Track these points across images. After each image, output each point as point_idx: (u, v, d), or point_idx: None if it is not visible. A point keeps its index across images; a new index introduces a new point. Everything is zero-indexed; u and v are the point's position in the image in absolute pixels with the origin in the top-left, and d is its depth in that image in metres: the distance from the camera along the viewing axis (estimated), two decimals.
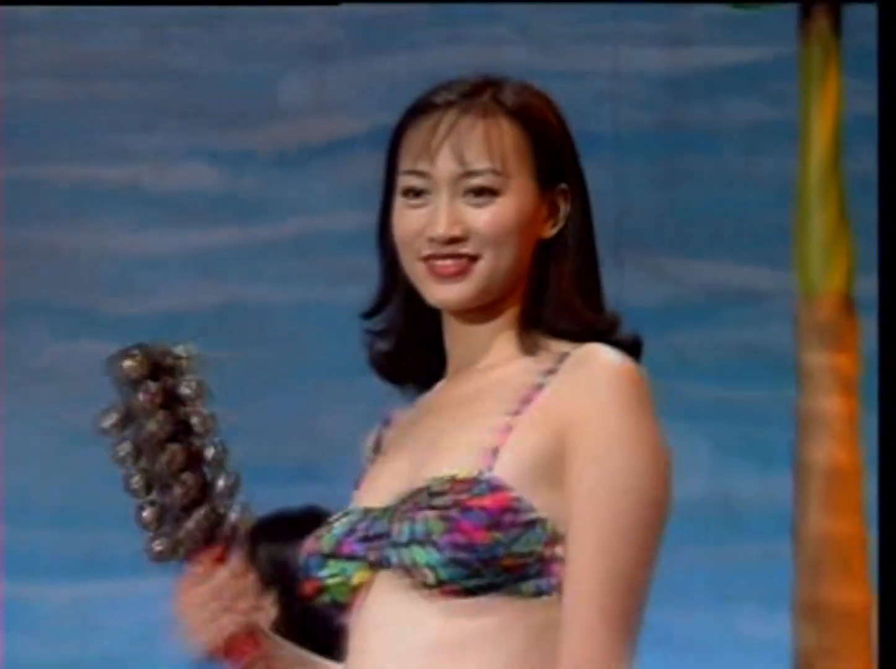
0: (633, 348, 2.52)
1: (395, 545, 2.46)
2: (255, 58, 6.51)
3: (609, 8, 5.35)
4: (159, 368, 2.19)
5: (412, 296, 2.57)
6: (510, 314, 2.55)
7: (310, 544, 2.30)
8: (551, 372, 2.51)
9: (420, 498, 2.49)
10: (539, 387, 2.47)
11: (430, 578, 2.45)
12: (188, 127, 6.54)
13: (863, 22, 4.60)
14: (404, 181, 2.49)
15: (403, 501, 2.45)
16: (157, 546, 2.32)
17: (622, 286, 2.50)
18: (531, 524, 2.44)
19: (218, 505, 2.41)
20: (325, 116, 6.36)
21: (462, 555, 2.45)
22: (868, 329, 4.35)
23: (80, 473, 4.96)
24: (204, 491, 2.40)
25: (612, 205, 2.80)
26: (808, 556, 4.44)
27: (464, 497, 2.45)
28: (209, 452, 2.38)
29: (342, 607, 2.50)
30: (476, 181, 2.42)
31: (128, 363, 2.14)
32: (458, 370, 2.56)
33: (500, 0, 5.51)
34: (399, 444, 2.36)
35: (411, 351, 2.60)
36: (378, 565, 2.36)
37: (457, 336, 2.57)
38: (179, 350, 2.36)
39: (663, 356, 2.64)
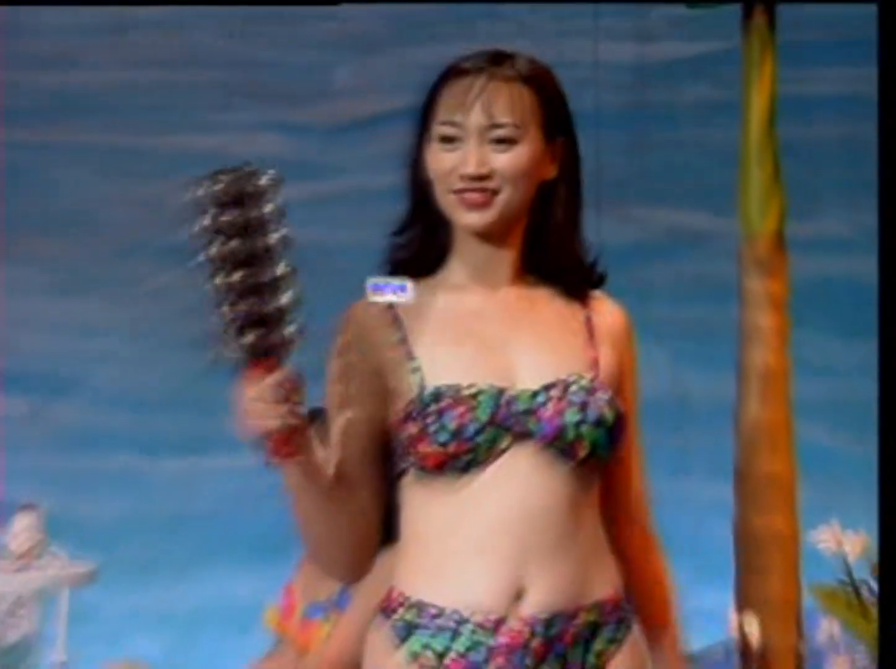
0: (600, 281, 2.64)
1: (557, 426, 2.57)
2: (315, 49, 6.57)
3: (589, 8, 5.26)
4: (244, 194, 2.40)
5: (431, 221, 2.62)
6: (515, 238, 2.62)
7: (463, 412, 2.59)
8: (584, 304, 2.62)
9: (572, 390, 2.59)
10: (588, 319, 2.61)
11: (583, 452, 2.55)
12: (263, 105, 6.62)
13: (792, 20, 4.58)
14: (441, 129, 2.56)
15: (546, 389, 2.57)
16: (225, 352, 2.38)
17: (600, 230, 2.63)
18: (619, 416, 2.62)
19: (277, 322, 2.45)
20: (370, 96, 6.39)
21: (612, 435, 2.58)
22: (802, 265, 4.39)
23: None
24: (266, 310, 2.43)
25: (594, 168, 2.89)
26: (745, 436, 4.45)
27: (601, 396, 2.56)
28: (279, 270, 2.41)
29: (476, 465, 2.60)
30: (500, 132, 2.55)
31: (216, 187, 2.37)
32: (473, 279, 2.65)
33: (498, 0, 5.37)
34: (468, 333, 2.65)
35: (421, 260, 2.68)
36: (521, 436, 2.54)
37: (472, 253, 2.64)
38: (262, 178, 2.39)
39: (632, 286, 2.73)
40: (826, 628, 4.50)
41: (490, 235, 2.66)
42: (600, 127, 2.89)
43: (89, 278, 6.02)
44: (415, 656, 2.63)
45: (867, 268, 5.53)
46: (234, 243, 2.42)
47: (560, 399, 2.60)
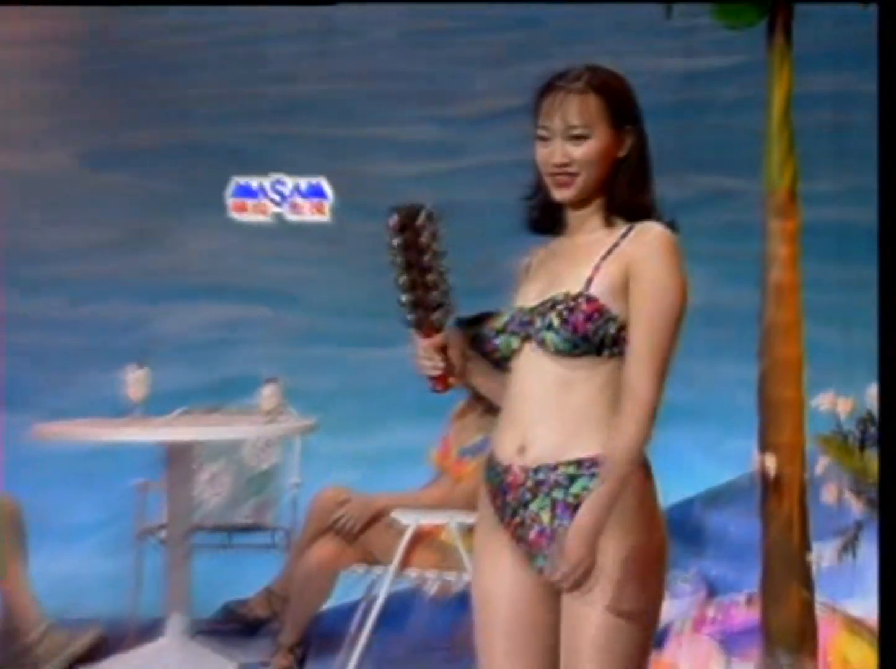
0: (671, 226, 2.66)
1: (537, 330, 2.67)
2: (456, 63, 6.28)
3: (652, 31, 4.84)
4: (406, 225, 2.61)
5: (547, 193, 2.74)
6: (597, 204, 2.71)
7: (489, 324, 2.75)
8: (623, 236, 2.68)
9: (548, 305, 2.67)
10: (616, 244, 2.67)
11: (552, 348, 2.66)
12: (422, 105, 6.35)
13: (805, 40, 4.51)
14: (539, 132, 2.70)
15: (541, 305, 2.67)
16: (408, 319, 2.65)
17: (659, 191, 2.70)
18: (610, 319, 2.64)
19: (431, 309, 2.67)
20: (496, 97, 6.02)
21: (570, 336, 2.65)
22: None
23: None
24: (424, 300, 2.66)
25: (656, 146, 3.00)
26: (766, 332, 4.48)
27: (572, 304, 2.64)
28: (430, 276, 2.64)
29: (506, 360, 2.73)
30: (574, 132, 2.66)
31: (390, 219, 2.60)
32: (570, 233, 2.76)
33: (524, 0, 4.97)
34: (539, 271, 2.79)
35: (546, 219, 2.79)
36: (526, 338, 2.69)
37: (568, 213, 2.75)
38: (421, 213, 2.61)
39: (684, 229, 2.79)
40: (822, 463, 4.44)
41: (575, 203, 2.76)
42: (658, 117, 2.99)
43: None
44: (485, 484, 2.76)
45: (853, 214, 5.33)
46: (400, 258, 2.64)
47: (540, 312, 2.70)
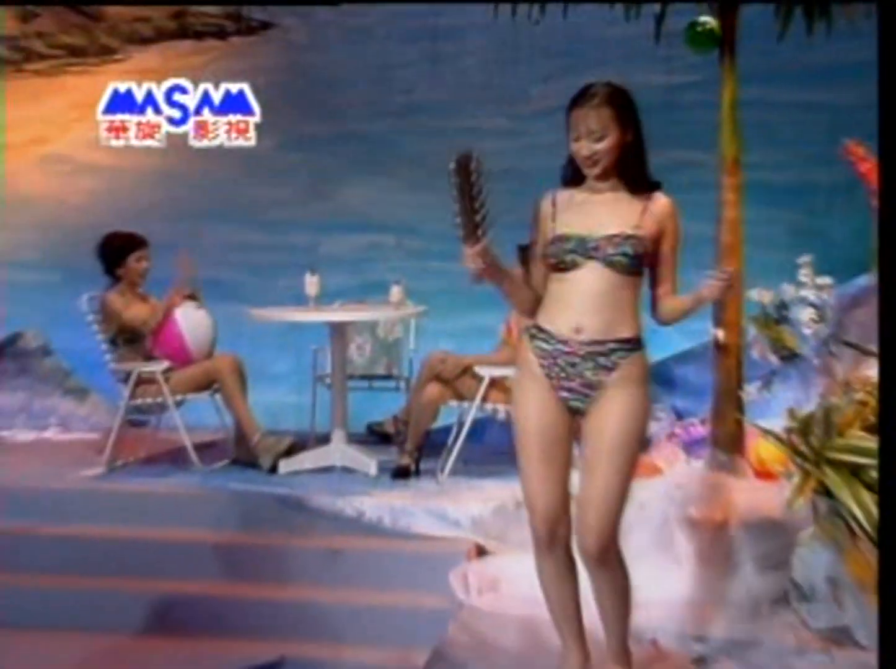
0: (658, 186, 2.75)
1: (609, 254, 2.64)
2: (522, 77, 6.13)
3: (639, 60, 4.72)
4: (468, 166, 2.52)
5: (577, 167, 2.77)
6: (613, 173, 2.73)
7: (559, 242, 2.67)
8: (650, 201, 2.71)
9: (616, 239, 2.65)
10: (646, 207, 2.70)
11: (618, 267, 2.64)
12: (492, 104, 6.17)
13: (744, 62, 4.42)
14: (572, 135, 2.72)
15: (608, 238, 2.64)
16: (460, 234, 2.57)
17: (651, 161, 2.76)
18: (651, 252, 2.69)
19: (474, 226, 2.56)
20: (544, 99, 5.86)
21: (633, 260, 2.67)
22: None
23: None
24: (471, 220, 2.56)
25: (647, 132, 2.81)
26: (719, 249, 4.37)
27: (634, 241, 2.67)
28: (479, 203, 2.51)
29: (567, 271, 2.66)
30: (595, 135, 2.69)
31: (452, 165, 2.52)
32: (594, 190, 2.75)
33: (511, 1, 4.46)
34: (581, 207, 2.71)
35: (575, 178, 2.79)
36: (588, 256, 2.67)
37: (592, 181, 2.76)
38: (472, 161, 2.51)
39: (667, 187, 2.78)
40: (752, 334, 4.37)
41: (598, 176, 2.75)
42: (649, 113, 2.82)
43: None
44: (534, 350, 2.73)
45: (774, 175, 5.40)
46: (456, 190, 2.55)
47: (607, 242, 2.68)
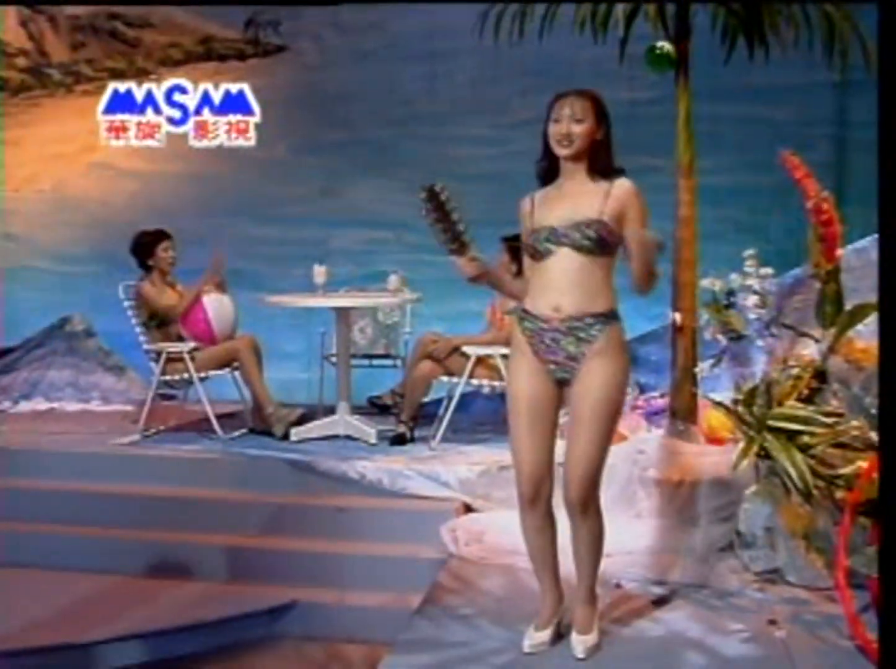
0: (622, 172, 2.68)
1: (575, 239, 2.59)
2: (508, 89, 5.89)
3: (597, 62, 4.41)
4: (436, 193, 2.48)
5: (551, 156, 2.69)
6: (584, 161, 2.66)
7: (536, 233, 2.62)
8: (610, 186, 2.63)
9: (581, 225, 2.60)
10: (608, 192, 2.62)
11: (585, 250, 2.58)
12: (483, 116, 5.95)
13: (697, 81, 4.33)
14: (553, 117, 2.65)
15: (575, 224, 2.59)
16: (445, 246, 2.53)
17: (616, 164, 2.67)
18: (613, 234, 2.61)
19: (456, 242, 2.53)
20: (528, 109, 5.22)
21: (597, 243, 2.59)
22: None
23: None
24: (451, 237, 2.52)
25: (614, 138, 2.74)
26: (677, 235, 4.29)
27: (597, 225, 2.60)
28: (456, 219, 2.51)
29: (543, 258, 2.60)
30: (576, 117, 2.64)
31: (422, 194, 2.48)
32: (564, 182, 2.68)
33: (509, 0, 4.24)
34: (549, 204, 2.68)
35: (549, 173, 2.73)
36: (560, 244, 2.62)
37: (564, 170, 2.70)
38: (442, 191, 2.47)
39: (636, 181, 2.71)
40: (705, 317, 4.22)
41: (569, 160, 2.69)
42: (615, 123, 2.75)
43: None
44: (522, 330, 2.70)
45: (723, 179, 5.18)
46: (431, 215, 2.49)
47: (574, 229, 2.62)
